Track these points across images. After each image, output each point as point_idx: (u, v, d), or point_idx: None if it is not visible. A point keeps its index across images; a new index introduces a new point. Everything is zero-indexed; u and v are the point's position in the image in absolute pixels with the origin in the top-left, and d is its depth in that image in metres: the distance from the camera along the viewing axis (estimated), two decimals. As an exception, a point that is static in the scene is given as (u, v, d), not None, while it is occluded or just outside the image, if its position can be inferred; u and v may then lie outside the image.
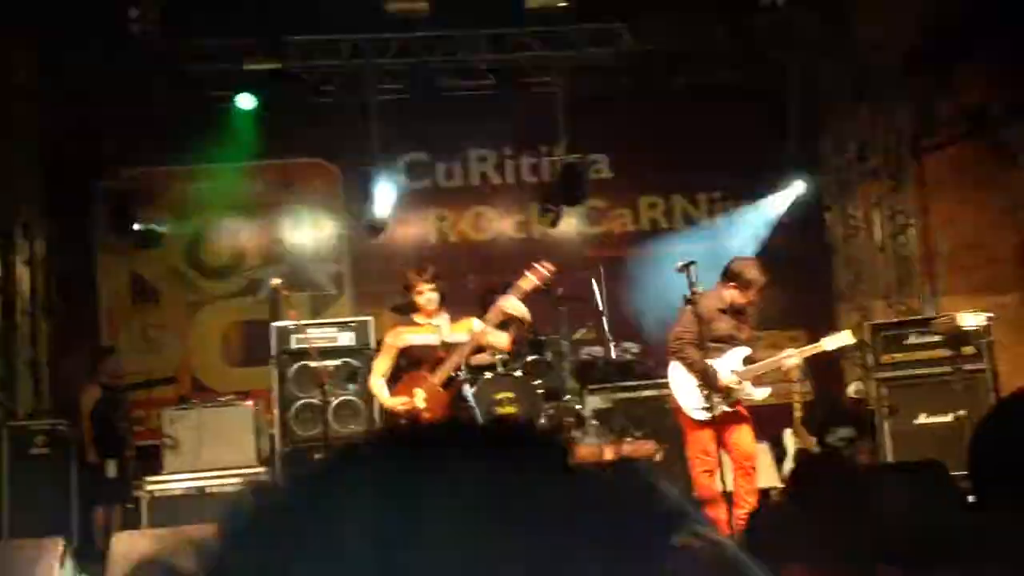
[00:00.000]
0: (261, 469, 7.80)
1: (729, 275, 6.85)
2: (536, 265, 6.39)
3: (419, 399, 6.12)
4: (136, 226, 9.53)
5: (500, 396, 8.19)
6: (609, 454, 7.90)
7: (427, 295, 6.29)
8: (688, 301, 6.51)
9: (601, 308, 8.79)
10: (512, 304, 6.27)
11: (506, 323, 6.53)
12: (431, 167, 10.72)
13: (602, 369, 9.16)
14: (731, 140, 10.05)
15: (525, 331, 7.35)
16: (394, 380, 6.43)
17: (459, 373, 6.22)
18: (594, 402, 9.17)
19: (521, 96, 10.36)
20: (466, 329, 6.38)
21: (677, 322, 6.89)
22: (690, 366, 6.63)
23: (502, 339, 6.62)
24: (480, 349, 6.78)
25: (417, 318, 6.40)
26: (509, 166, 10.84)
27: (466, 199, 10.84)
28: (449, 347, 6.26)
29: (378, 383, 6.37)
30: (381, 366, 6.43)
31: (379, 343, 6.97)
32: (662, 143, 10.27)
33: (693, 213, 11.01)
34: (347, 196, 10.39)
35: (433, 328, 6.34)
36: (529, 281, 6.32)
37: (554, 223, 10.63)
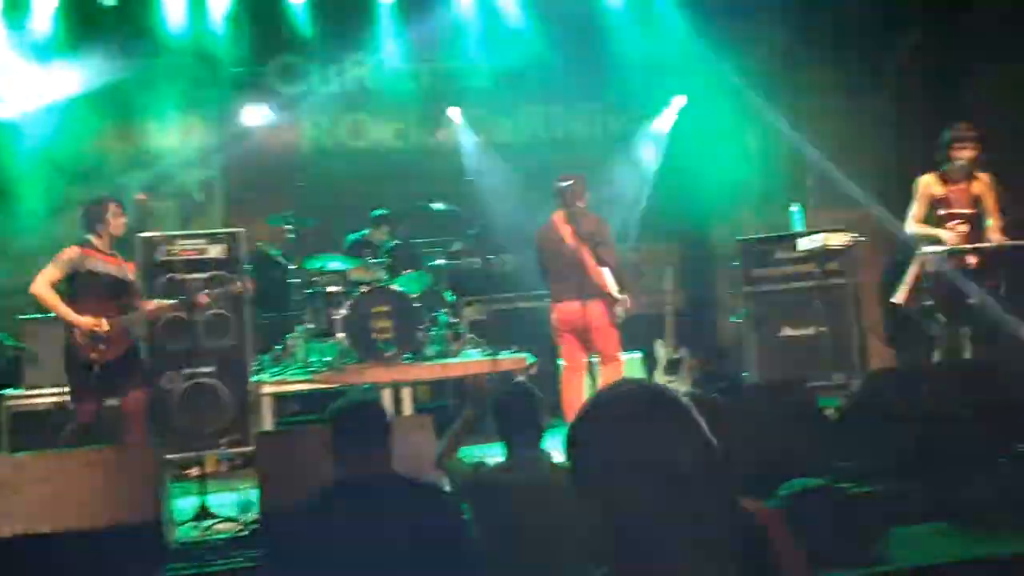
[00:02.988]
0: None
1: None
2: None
3: (104, 328, 6.20)
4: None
5: (377, 310, 8.13)
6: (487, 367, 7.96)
7: (121, 220, 6.38)
8: (567, 220, 6.60)
9: (481, 220, 8.76)
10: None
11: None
12: (305, 70, 10.37)
13: (479, 281, 9.15)
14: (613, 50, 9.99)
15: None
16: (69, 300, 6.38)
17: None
18: (471, 314, 9.20)
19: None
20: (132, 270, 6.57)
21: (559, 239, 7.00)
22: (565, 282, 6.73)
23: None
24: None
25: (100, 245, 6.38)
26: (388, 72, 10.54)
27: (343, 105, 10.55)
28: (133, 288, 6.42)
29: (49, 292, 6.22)
30: (51, 276, 6.28)
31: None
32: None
33: (575, 126, 10.96)
34: (218, 100, 10.02)
35: (119, 262, 6.42)
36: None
37: (434, 132, 10.49)
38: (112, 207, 6.39)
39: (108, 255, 6.39)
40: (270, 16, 9.79)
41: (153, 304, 6.61)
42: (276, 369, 8.16)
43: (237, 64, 9.80)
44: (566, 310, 7.08)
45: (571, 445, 1.85)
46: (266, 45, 9.98)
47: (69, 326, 6.20)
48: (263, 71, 10.07)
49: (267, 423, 7.45)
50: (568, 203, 6.92)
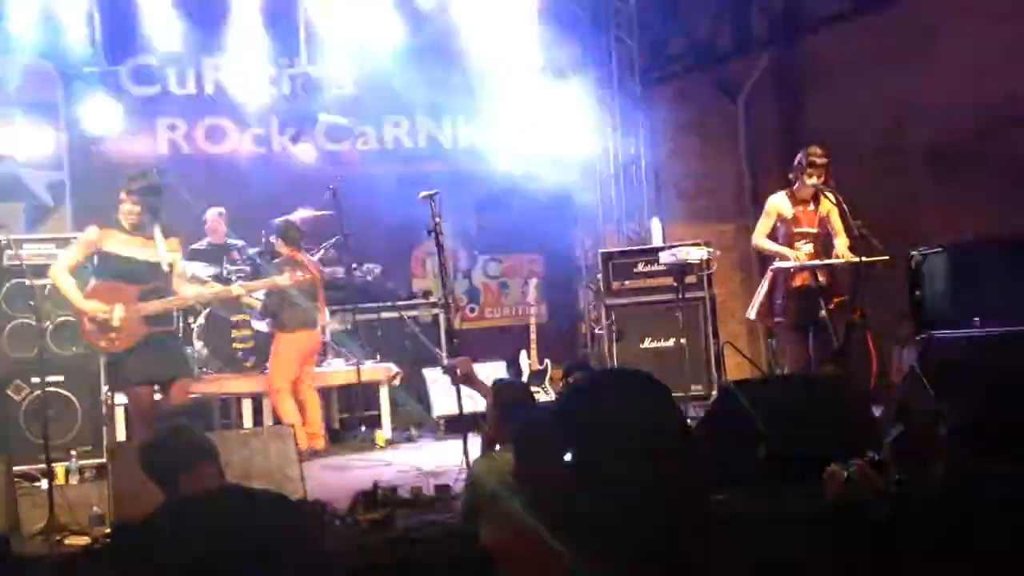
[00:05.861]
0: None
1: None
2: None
3: (116, 316, 5.85)
4: None
5: (236, 319, 7.98)
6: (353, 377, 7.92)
7: (128, 206, 5.96)
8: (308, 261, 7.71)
9: (345, 229, 8.66)
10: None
11: None
12: (161, 73, 10.07)
13: (343, 290, 9.04)
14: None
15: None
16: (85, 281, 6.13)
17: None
18: (334, 324, 9.09)
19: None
20: (174, 248, 6.17)
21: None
22: None
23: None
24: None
25: (125, 224, 6.03)
26: (248, 76, 10.33)
27: (200, 109, 10.29)
28: (160, 273, 6.01)
29: (65, 276, 5.98)
30: (71, 258, 6.05)
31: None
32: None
33: (438, 136, 10.97)
34: (68, 100, 9.65)
35: (146, 242, 6.03)
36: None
37: (295, 139, 10.35)
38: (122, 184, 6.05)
39: (133, 234, 6.00)
40: (124, 16, 9.51)
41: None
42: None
43: (89, 64, 9.48)
44: (305, 337, 7.71)
45: (567, 424, 1.75)
46: (120, 45, 9.69)
47: (79, 313, 5.91)
48: (116, 72, 9.75)
49: (121, 434, 7.19)
50: (302, 243, 7.88)
